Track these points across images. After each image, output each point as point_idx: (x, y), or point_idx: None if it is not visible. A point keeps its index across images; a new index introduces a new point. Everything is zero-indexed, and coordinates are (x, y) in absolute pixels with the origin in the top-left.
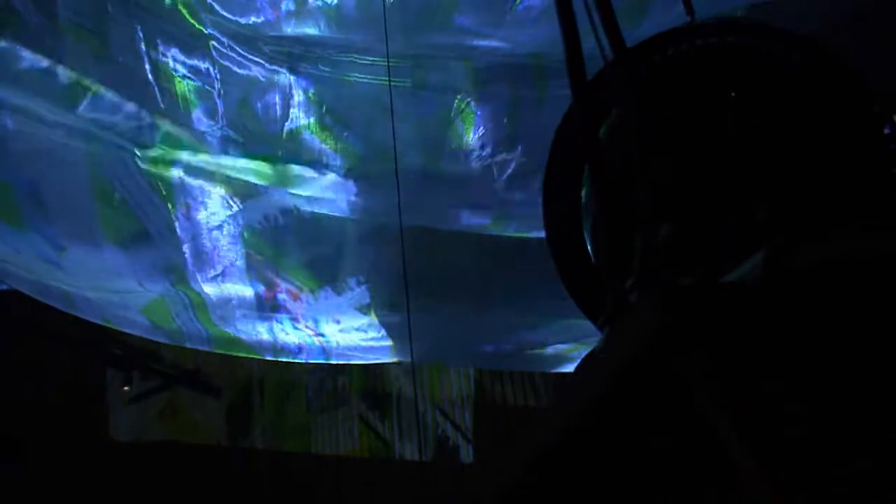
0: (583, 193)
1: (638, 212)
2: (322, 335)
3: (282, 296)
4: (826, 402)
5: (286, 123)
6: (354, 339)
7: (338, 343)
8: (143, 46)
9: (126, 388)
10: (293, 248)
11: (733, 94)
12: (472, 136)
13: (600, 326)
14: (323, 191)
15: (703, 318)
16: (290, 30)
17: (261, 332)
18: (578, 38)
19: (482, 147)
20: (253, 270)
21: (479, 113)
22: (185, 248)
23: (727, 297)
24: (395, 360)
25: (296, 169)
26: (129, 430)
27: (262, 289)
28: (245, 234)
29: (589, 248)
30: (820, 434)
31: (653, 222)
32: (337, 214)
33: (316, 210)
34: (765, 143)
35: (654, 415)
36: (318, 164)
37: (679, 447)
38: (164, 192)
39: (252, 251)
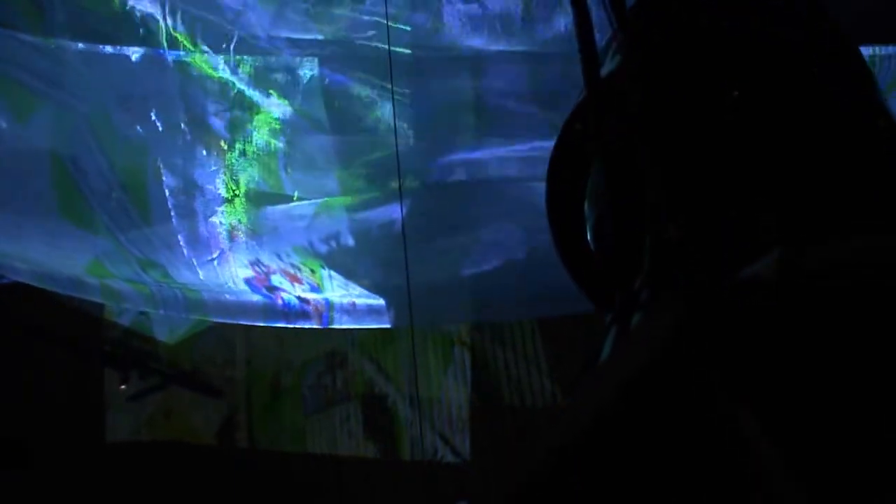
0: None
1: (648, 208)
2: (318, 300)
3: (276, 276)
4: (853, 407)
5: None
6: (353, 304)
7: (335, 307)
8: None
9: (123, 386)
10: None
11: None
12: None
13: (608, 324)
14: (323, 177)
15: (722, 318)
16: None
17: (252, 296)
18: (592, 31)
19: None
20: (243, 252)
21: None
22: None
23: (744, 296)
24: (394, 325)
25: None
26: (127, 429)
27: (256, 269)
28: (230, 221)
29: (592, 245)
30: (851, 441)
31: (664, 219)
32: (335, 196)
33: (317, 197)
34: (776, 140)
35: (676, 416)
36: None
37: (703, 450)
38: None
39: (243, 234)
